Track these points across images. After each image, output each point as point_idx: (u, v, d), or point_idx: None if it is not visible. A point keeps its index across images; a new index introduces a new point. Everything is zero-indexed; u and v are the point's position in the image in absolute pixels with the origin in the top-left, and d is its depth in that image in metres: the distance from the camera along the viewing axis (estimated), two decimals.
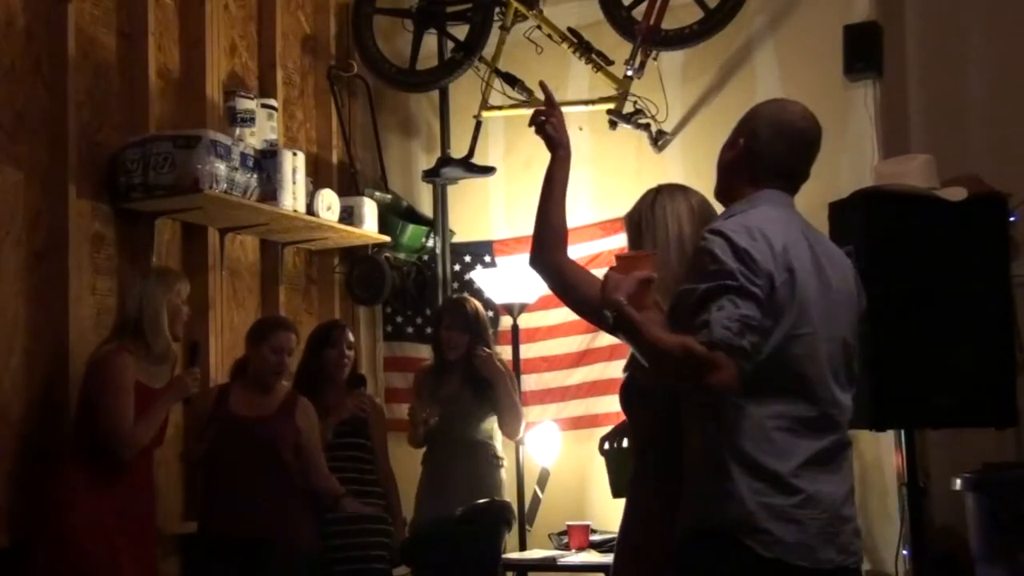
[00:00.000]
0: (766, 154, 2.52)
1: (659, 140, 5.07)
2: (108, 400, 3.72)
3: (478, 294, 5.32)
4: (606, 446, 3.26)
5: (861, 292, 2.58)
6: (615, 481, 3.39)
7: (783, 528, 2.29)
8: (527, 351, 5.12)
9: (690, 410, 2.45)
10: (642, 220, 2.78)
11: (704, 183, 4.68)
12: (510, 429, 4.67)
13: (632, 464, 2.80)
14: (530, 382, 5.24)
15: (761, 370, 2.28)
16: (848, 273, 2.55)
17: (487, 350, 4.65)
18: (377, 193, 5.48)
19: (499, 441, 4.71)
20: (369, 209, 5.29)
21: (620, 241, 5.14)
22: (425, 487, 4.67)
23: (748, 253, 2.30)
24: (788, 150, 2.53)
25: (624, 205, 5.21)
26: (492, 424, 4.67)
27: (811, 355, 2.36)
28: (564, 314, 5.26)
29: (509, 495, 4.77)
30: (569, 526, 4.71)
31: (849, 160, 4.80)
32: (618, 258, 2.48)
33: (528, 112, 5.25)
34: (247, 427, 4.12)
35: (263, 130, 4.82)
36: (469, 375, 4.62)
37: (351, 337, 4.65)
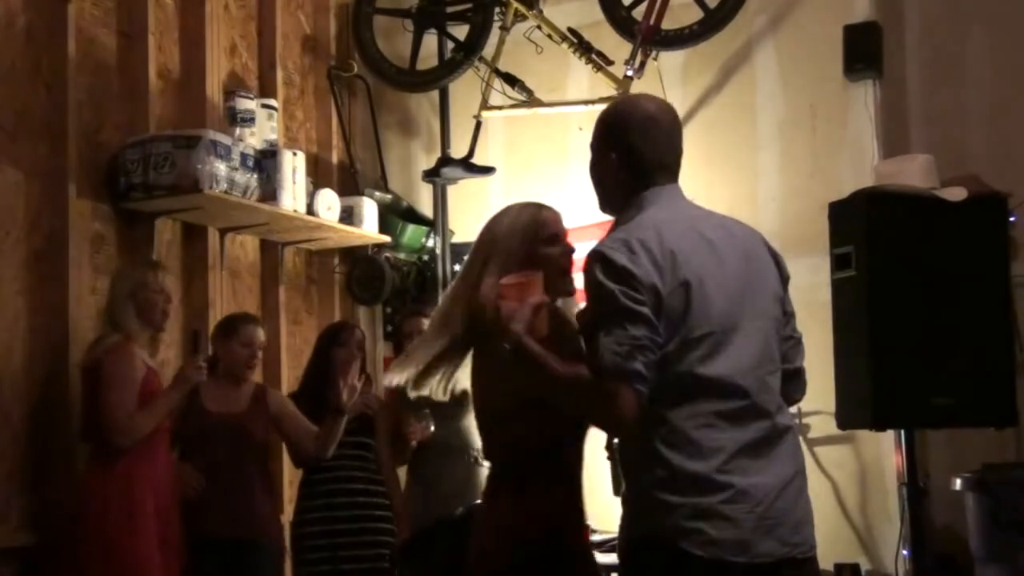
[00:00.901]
0: (644, 158, 2.47)
1: None
2: (109, 389, 3.73)
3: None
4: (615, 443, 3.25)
5: (780, 261, 2.52)
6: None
7: (714, 526, 2.25)
8: None
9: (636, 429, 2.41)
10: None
11: (703, 183, 4.70)
12: None
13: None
14: None
15: (668, 378, 2.26)
16: (757, 248, 2.48)
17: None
18: (377, 193, 5.48)
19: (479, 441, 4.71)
20: (369, 209, 5.29)
21: None
22: (410, 495, 4.66)
23: (627, 270, 2.26)
24: (661, 146, 2.49)
25: None
26: (470, 423, 4.67)
27: (716, 352, 2.31)
28: None
29: None
30: None
31: (849, 160, 4.81)
32: (506, 286, 2.44)
33: (528, 112, 5.30)
34: (223, 423, 4.14)
35: (263, 130, 4.82)
36: None
37: (360, 336, 4.65)
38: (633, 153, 2.48)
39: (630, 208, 2.46)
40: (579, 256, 5.15)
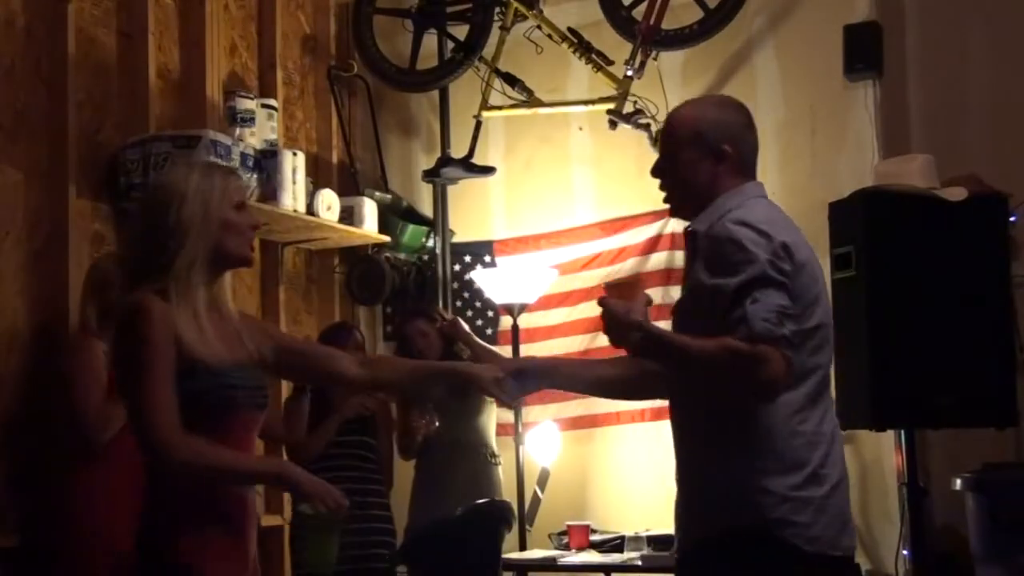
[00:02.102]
0: (747, 151, 2.54)
1: (659, 140, 5.06)
2: (73, 385, 3.71)
3: (478, 294, 5.33)
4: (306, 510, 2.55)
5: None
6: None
7: (817, 520, 2.30)
8: (527, 351, 5.12)
9: (710, 409, 2.38)
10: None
11: None
12: None
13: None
14: None
15: None
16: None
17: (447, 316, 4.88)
18: (377, 193, 5.48)
19: (494, 438, 4.72)
20: (369, 209, 5.29)
21: (620, 241, 5.16)
22: (421, 491, 4.67)
23: (785, 246, 2.31)
24: (754, 140, 2.57)
25: (624, 205, 5.25)
26: (485, 421, 4.68)
27: (824, 344, 2.40)
28: (564, 314, 5.27)
29: (509, 495, 4.77)
30: (569, 526, 4.70)
31: (849, 160, 4.81)
32: (608, 287, 2.45)
33: (528, 112, 5.30)
34: None
35: (263, 130, 4.82)
36: None
37: (359, 338, 4.67)
38: (743, 144, 2.52)
39: (731, 197, 2.47)
40: (584, 254, 5.21)
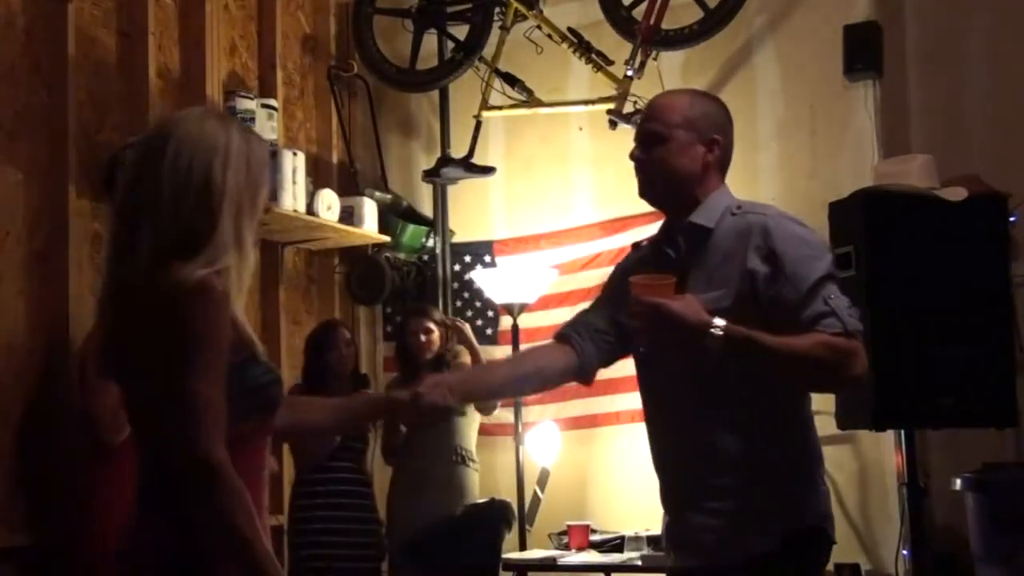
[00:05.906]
0: (729, 146, 2.47)
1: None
2: (91, 384, 3.70)
3: (478, 294, 5.33)
4: None
5: None
6: None
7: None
8: None
9: (765, 411, 2.31)
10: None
11: None
12: None
13: None
14: None
15: None
16: None
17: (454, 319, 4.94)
18: (377, 193, 5.48)
19: (473, 442, 4.72)
20: (369, 209, 5.29)
21: (620, 241, 5.15)
22: (399, 491, 4.68)
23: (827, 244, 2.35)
24: (733, 139, 2.50)
25: (624, 205, 5.25)
26: (466, 424, 4.68)
27: None
28: (564, 314, 5.26)
29: (509, 495, 4.78)
30: (569, 526, 4.71)
31: (849, 160, 4.81)
32: (638, 285, 2.18)
33: (528, 112, 5.30)
34: None
35: (263, 130, 4.81)
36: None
37: (347, 334, 4.69)
38: (728, 138, 2.47)
39: (725, 195, 2.43)
40: (584, 254, 5.21)
